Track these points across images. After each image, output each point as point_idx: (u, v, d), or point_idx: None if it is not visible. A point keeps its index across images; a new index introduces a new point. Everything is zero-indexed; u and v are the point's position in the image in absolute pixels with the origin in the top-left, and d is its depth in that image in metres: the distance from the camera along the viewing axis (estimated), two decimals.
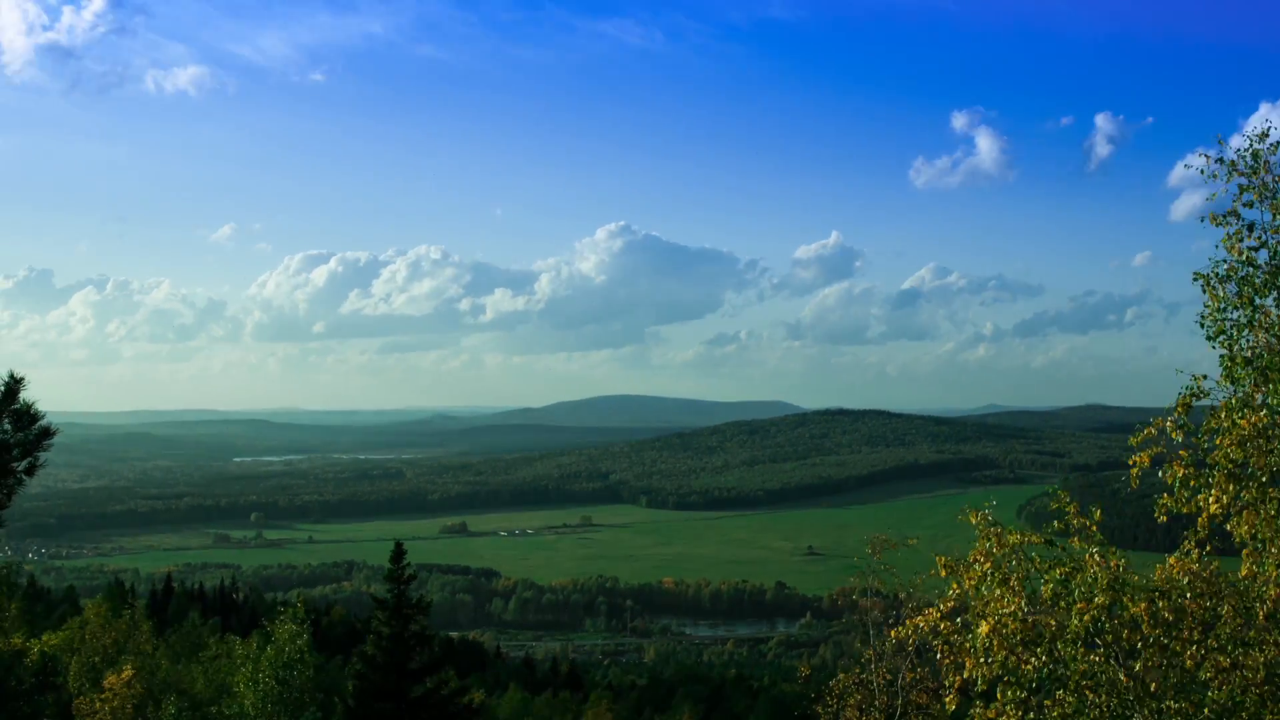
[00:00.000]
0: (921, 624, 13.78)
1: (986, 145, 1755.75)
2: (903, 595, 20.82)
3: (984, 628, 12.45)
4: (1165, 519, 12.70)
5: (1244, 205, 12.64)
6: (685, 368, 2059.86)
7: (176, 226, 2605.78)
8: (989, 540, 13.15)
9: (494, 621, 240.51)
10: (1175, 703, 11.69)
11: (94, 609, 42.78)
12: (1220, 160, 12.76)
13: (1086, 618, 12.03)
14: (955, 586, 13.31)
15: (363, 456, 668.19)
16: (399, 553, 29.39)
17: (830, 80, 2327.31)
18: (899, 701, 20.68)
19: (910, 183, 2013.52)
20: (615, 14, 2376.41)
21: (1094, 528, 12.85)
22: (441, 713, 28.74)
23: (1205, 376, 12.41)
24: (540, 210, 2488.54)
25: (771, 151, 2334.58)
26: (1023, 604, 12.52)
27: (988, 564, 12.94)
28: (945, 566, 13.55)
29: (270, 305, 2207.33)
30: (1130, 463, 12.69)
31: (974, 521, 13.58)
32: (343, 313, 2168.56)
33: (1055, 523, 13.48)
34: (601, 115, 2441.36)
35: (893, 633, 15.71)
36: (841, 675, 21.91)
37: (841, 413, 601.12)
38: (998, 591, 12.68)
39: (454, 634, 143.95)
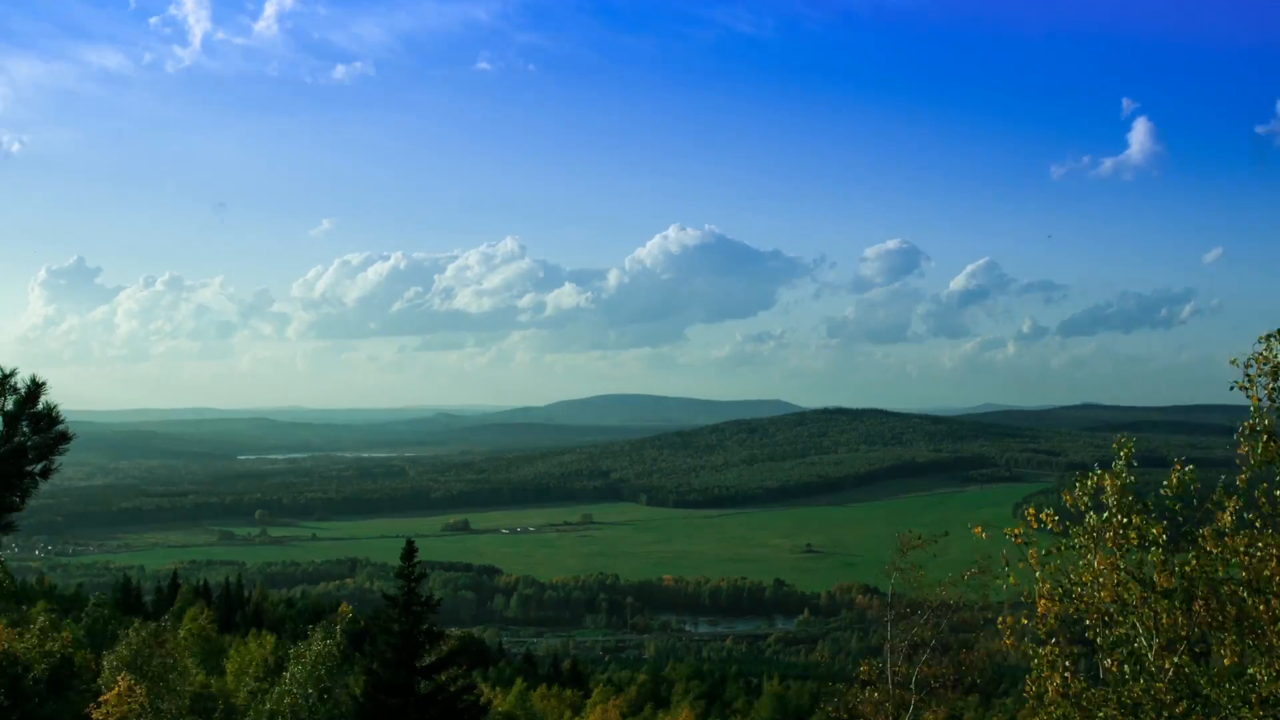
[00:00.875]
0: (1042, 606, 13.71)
1: (1140, 142, 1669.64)
2: (937, 591, 21.04)
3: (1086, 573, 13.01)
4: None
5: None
6: (705, 367, 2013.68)
7: (279, 221, 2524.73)
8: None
9: (496, 618, 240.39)
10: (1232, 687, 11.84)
11: (106, 602, 42.77)
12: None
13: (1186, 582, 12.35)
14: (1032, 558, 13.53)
15: (366, 455, 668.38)
16: (410, 551, 29.37)
17: (957, 73, 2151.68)
18: (913, 697, 20.86)
19: (1022, 186, 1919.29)
20: (729, 1, 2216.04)
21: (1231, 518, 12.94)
22: (449, 708, 28.74)
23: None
24: (628, 204, 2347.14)
25: (876, 148, 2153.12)
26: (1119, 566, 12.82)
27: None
28: (1017, 535, 13.85)
29: (324, 301, 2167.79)
30: (1240, 452, 12.91)
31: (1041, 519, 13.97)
32: (395, 310, 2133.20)
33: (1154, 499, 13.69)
34: (701, 107, 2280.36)
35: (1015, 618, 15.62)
36: (864, 666, 22.22)
37: (840, 412, 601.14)
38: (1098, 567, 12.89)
39: (456, 630, 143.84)
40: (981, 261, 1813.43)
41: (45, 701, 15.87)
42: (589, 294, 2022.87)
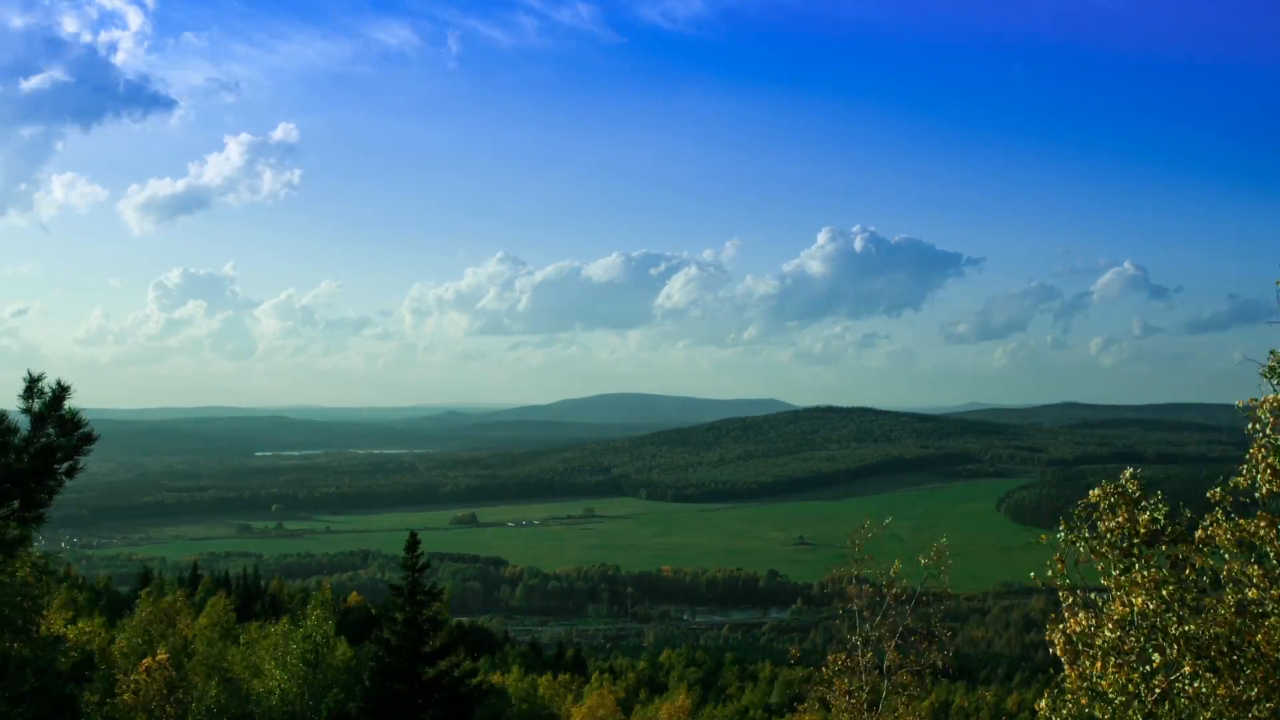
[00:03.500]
0: (1074, 627, 13.30)
1: None
2: (886, 583, 21.08)
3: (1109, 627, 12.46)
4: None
5: None
6: (779, 367, 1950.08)
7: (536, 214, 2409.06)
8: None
9: (502, 607, 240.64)
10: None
11: (144, 602, 43.02)
12: None
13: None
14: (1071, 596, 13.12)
15: (377, 451, 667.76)
16: (413, 542, 29.62)
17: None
18: (885, 683, 20.90)
19: None
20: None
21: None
22: (453, 693, 29.02)
23: None
24: (826, 201, 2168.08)
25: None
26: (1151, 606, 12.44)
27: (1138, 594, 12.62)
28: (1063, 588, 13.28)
29: (473, 298, 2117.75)
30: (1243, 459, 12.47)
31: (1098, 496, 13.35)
32: (557, 305, 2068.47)
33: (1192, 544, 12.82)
34: (995, 90, 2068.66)
35: (1049, 633, 14.88)
36: (830, 657, 22.10)
37: (831, 410, 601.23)
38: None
39: (464, 619, 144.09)
40: (1128, 262, 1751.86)
41: (70, 684, 16.17)
42: (766, 289, 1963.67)
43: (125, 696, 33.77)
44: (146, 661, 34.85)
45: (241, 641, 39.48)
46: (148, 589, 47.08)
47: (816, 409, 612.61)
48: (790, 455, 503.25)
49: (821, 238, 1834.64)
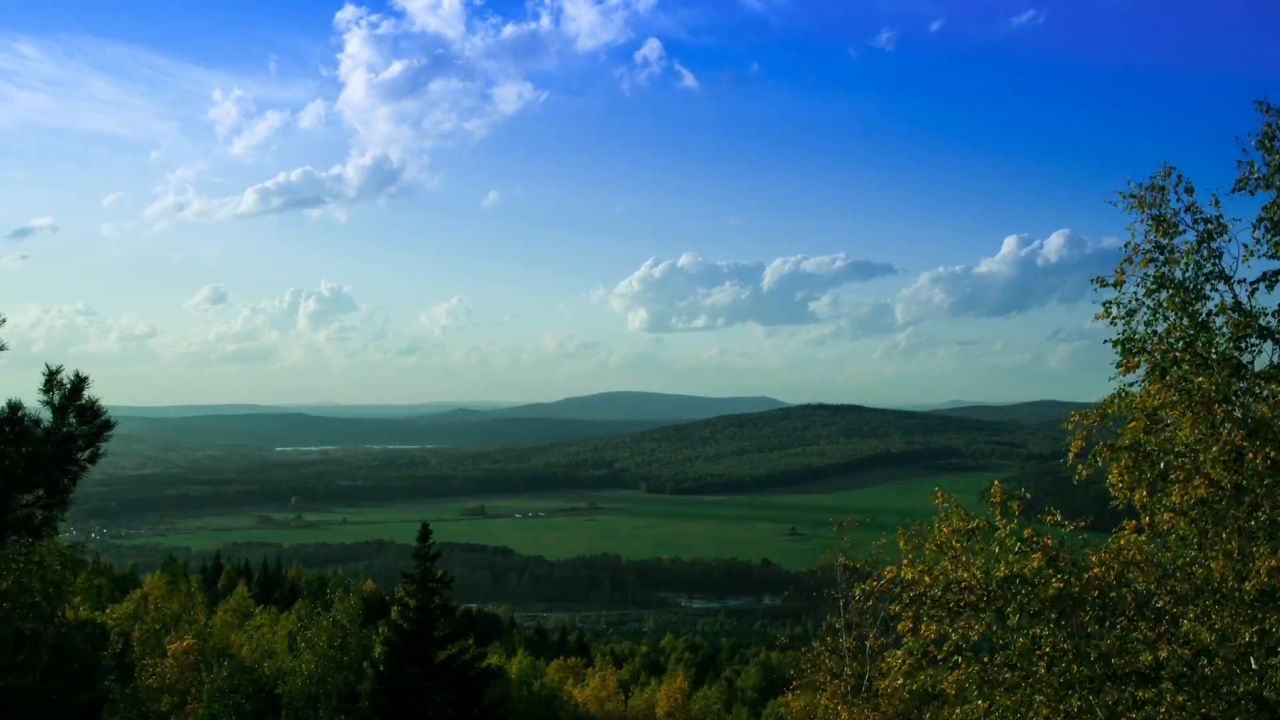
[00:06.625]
0: (888, 575, 14.03)
1: None
2: (863, 565, 20.97)
3: (935, 591, 12.74)
4: (1119, 504, 13.17)
5: (1148, 240, 12.62)
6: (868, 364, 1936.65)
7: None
8: (951, 519, 13.45)
9: (509, 595, 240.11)
10: (1116, 662, 11.79)
11: (154, 582, 42.74)
12: (1131, 196, 12.57)
13: (1052, 590, 12.17)
14: (908, 562, 13.53)
15: (392, 447, 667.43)
16: (425, 533, 29.44)
17: None
18: (866, 666, 20.81)
19: None
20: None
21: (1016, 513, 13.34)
22: (462, 676, 28.80)
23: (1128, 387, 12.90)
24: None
25: None
26: (976, 574, 12.73)
27: (947, 536, 13.21)
28: (907, 540, 13.86)
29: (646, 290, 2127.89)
30: (1065, 445, 13.55)
31: (939, 501, 13.96)
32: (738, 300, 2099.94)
33: (1012, 504, 13.72)
34: None
35: (858, 587, 16.07)
36: (815, 643, 22.10)
37: (821, 407, 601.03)
38: (947, 563, 13.00)
39: (473, 606, 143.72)
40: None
41: (112, 670, 15.97)
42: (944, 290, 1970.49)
43: (150, 680, 33.48)
44: (174, 646, 34.59)
45: (246, 626, 39.17)
46: (153, 573, 46.76)
47: (807, 406, 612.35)
48: (783, 450, 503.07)
49: (1056, 239, 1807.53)
